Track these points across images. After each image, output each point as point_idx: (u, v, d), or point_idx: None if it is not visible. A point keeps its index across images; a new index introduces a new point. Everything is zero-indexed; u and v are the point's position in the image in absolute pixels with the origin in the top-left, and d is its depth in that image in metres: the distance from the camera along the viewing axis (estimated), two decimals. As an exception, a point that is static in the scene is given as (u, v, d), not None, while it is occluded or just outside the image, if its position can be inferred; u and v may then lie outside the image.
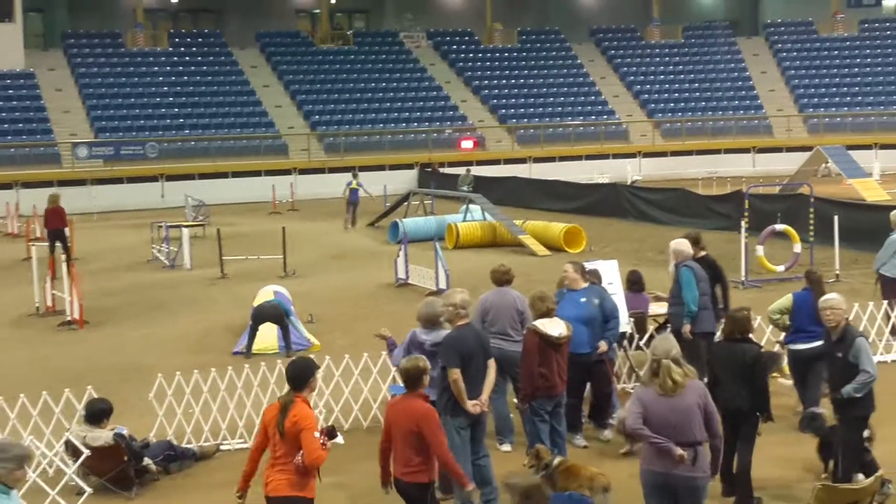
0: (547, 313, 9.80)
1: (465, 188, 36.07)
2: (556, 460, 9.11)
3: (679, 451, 7.32)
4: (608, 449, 10.85)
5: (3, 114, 44.54)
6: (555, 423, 9.81)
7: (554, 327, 9.71)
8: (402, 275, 21.16)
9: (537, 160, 47.29)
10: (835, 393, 9.01)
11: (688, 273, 11.67)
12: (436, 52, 54.94)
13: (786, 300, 11.40)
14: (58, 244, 23.85)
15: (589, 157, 47.61)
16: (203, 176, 42.97)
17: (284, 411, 7.31)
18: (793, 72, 55.30)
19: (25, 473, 5.91)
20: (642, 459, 7.71)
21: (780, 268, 20.29)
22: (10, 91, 45.90)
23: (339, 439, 8.24)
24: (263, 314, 15.57)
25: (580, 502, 8.50)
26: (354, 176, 35.38)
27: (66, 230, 24.57)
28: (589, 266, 12.03)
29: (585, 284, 11.02)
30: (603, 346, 10.85)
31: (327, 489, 10.14)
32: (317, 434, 7.24)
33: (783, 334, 11.64)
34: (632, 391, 12.30)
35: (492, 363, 9.22)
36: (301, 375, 7.41)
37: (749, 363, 8.99)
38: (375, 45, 54.37)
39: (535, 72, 54.19)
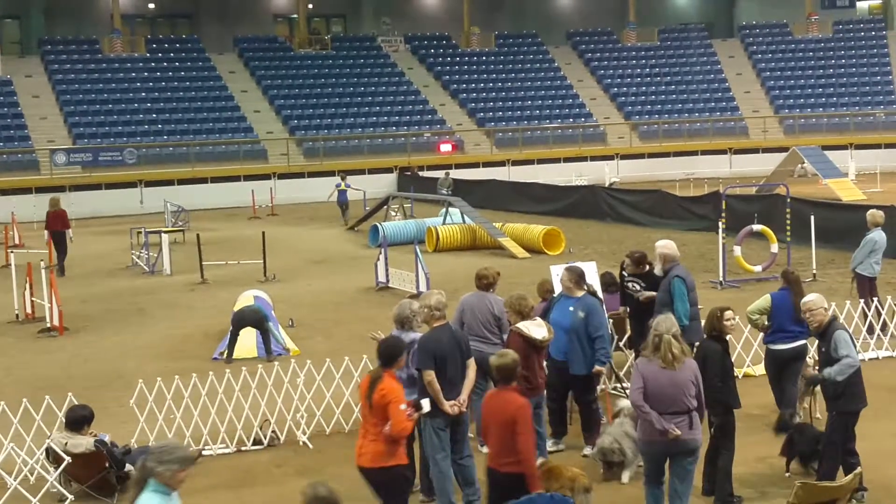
0: (526, 315, 9.87)
1: (444, 191, 36.15)
2: (538, 461, 9.16)
3: (675, 431, 8.23)
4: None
5: (-20, 121, 44.34)
6: (534, 425, 9.83)
7: (537, 330, 9.79)
8: (382, 278, 21.19)
9: (516, 163, 47.41)
10: (819, 376, 9.16)
11: (680, 285, 11.41)
12: (413, 56, 54.97)
13: (764, 300, 11.47)
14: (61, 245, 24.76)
15: (567, 160, 47.76)
16: (182, 181, 42.84)
17: (373, 385, 8.04)
18: (768, 73, 55.63)
19: (186, 475, 6.05)
20: (642, 433, 8.54)
21: (758, 268, 20.45)
22: (-13, 98, 45.70)
23: (426, 407, 8.53)
24: (244, 319, 15.58)
25: (562, 503, 8.55)
26: (343, 178, 35.78)
27: (69, 232, 25.34)
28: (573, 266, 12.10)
29: (580, 293, 10.82)
30: (599, 369, 10.72)
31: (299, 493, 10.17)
32: (403, 406, 7.93)
33: (761, 334, 11.74)
34: (613, 392, 12.41)
35: (471, 363, 9.25)
36: (391, 353, 8.22)
37: (699, 358, 9.00)
38: (353, 50, 54.36)
39: (513, 75, 54.28)
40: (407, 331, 9.57)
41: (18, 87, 46.67)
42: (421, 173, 44.36)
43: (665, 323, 8.43)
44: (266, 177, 43.89)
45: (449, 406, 8.92)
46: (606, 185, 38.59)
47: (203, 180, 43.45)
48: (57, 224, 25.25)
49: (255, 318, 15.55)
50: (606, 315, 12.57)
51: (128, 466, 10.29)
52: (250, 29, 53.94)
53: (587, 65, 56.27)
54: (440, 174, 39.90)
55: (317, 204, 41.37)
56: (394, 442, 8.00)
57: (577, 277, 10.89)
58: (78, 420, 10.23)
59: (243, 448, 11.43)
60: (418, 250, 20.38)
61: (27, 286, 19.26)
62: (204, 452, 11.26)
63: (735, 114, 53.23)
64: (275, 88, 50.38)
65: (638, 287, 12.30)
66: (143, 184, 42.58)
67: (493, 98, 52.59)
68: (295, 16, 56.13)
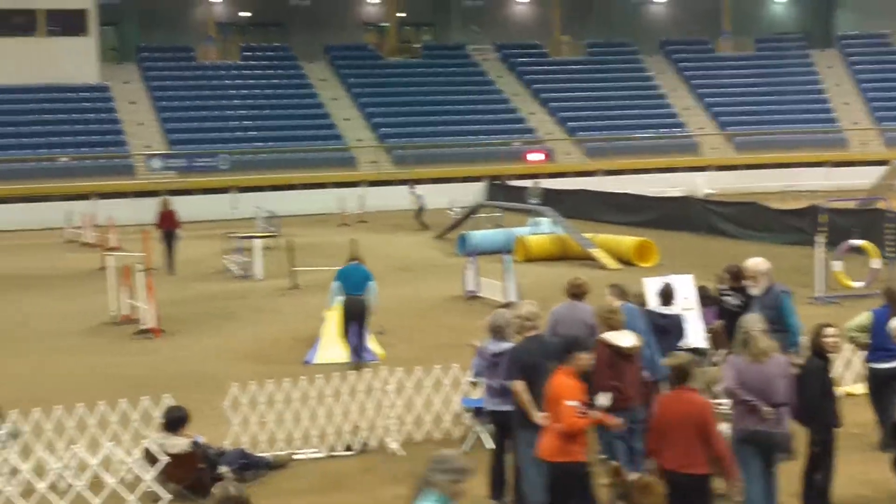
0: (615, 326, 9.74)
1: (533, 201, 35.97)
2: (632, 476, 9.02)
3: (766, 407, 8.42)
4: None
5: (79, 126, 45.43)
6: (632, 441, 9.65)
7: (624, 339, 9.64)
8: (471, 287, 21.12)
9: (607, 173, 46.99)
10: None
11: (788, 300, 11.27)
12: (503, 64, 54.92)
13: (864, 317, 11.13)
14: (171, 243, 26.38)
15: (659, 170, 47.18)
16: (273, 188, 43.37)
17: (551, 382, 8.31)
18: (868, 84, 54.29)
19: (464, 487, 6.03)
20: (734, 421, 8.72)
21: (858, 284, 19.88)
22: (86, 104, 46.82)
23: (603, 402, 8.66)
24: (352, 307, 15.62)
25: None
26: (412, 186, 37.61)
27: (179, 231, 26.68)
28: (664, 281, 11.92)
29: (618, 304, 10.66)
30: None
31: (400, 500, 10.15)
32: (572, 402, 8.05)
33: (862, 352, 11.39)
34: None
35: None
36: (565, 349, 8.48)
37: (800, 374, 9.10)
38: (443, 58, 54.51)
39: (604, 84, 53.87)
40: (500, 340, 9.52)
41: (116, 93, 47.79)
42: (510, 182, 44.21)
43: (752, 320, 8.86)
44: (355, 184, 44.19)
45: (539, 418, 8.78)
46: (700, 196, 37.97)
47: (293, 187, 43.94)
48: (167, 223, 26.53)
49: (359, 309, 15.60)
50: (705, 329, 12.36)
51: (221, 468, 10.41)
52: (341, 37, 54.45)
53: (680, 74, 55.59)
54: (530, 183, 39.71)
55: (405, 211, 41.54)
56: (567, 438, 8.14)
57: (619, 291, 10.90)
58: (175, 421, 10.36)
59: (334, 453, 11.47)
60: (508, 260, 20.29)
61: (125, 289, 19.63)
62: (295, 456, 11.34)
63: (833, 125, 52.06)
64: (365, 96, 50.75)
65: (736, 301, 12.05)
66: (235, 189, 43.20)
67: (584, 107, 52.24)
68: (385, 24, 56.53)
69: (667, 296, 11.76)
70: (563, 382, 8.21)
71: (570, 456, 8.15)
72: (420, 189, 38.23)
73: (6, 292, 23.82)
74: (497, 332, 9.57)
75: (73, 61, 46.84)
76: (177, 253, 26.79)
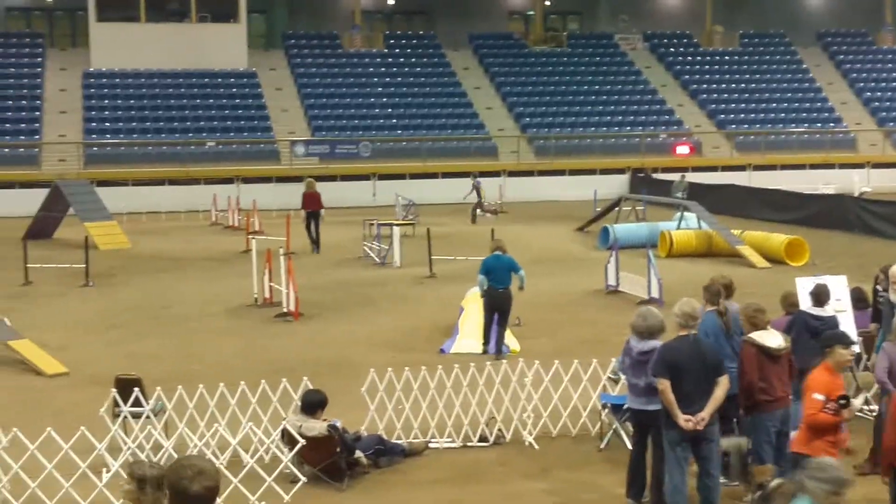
0: (761, 326, 9.35)
1: (679, 195, 35.19)
2: (775, 482, 8.63)
3: None
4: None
5: (227, 111, 46.55)
6: (780, 444, 9.23)
7: (772, 339, 9.24)
8: (611, 282, 20.70)
9: (757, 168, 45.62)
10: None
11: None
12: (652, 54, 53.94)
13: None
14: (311, 223, 27.62)
15: (813, 167, 45.58)
16: (413, 176, 43.59)
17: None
18: None
19: (843, 501, 5.89)
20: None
21: None
22: (234, 89, 47.92)
23: (856, 404, 8.53)
24: (494, 300, 15.44)
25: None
26: (475, 177, 37.09)
27: (322, 212, 27.94)
28: (817, 281, 11.43)
29: (709, 308, 10.17)
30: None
31: (534, 494, 9.93)
32: (820, 397, 7.93)
33: None
34: (863, 413, 11.54)
35: (722, 381, 8.74)
36: (826, 344, 8.41)
37: None
38: (589, 47, 53.86)
39: (757, 76, 52.36)
40: (646, 338, 9.23)
41: (263, 79, 48.78)
42: (655, 175, 43.38)
43: None
44: (496, 174, 44.04)
45: (683, 420, 8.52)
46: (856, 194, 36.51)
47: (434, 175, 44.04)
48: (312, 204, 27.66)
49: (504, 302, 15.44)
50: (856, 333, 11.78)
51: (357, 453, 10.36)
52: (485, 25, 54.33)
53: (838, 67, 53.62)
54: (675, 177, 38.84)
55: (546, 202, 41.24)
56: (812, 431, 8.05)
57: (712, 293, 10.25)
58: (313, 404, 10.36)
59: (469, 444, 11.34)
60: (651, 255, 19.81)
61: (266, 272, 19.92)
62: (430, 445, 11.23)
63: None
64: (508, 85, 50.53)
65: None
66: (376, 177, 43.58)
67: (735, 99, 50.89)
68: (531, 12, 56.14)
69: (820, 297, 11.22)
70: (817, 376, 8.12)
71: (811, 450, 7.90)
72: (482, 181, 37.45)
73: (153, 273, 24.51)
74: (643, 329, 9.26)
75: (223, 48, 48.06)
76: (320, 233, 27.79)
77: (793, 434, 8.91)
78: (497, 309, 15.44)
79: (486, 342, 15.52)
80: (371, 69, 50.53)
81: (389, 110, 48.10)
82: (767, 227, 28.40)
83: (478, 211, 35.43)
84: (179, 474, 4.74)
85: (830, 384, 8.08)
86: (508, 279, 15.55)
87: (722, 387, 8.72)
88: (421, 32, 54.46)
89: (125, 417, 10.85)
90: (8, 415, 11.91)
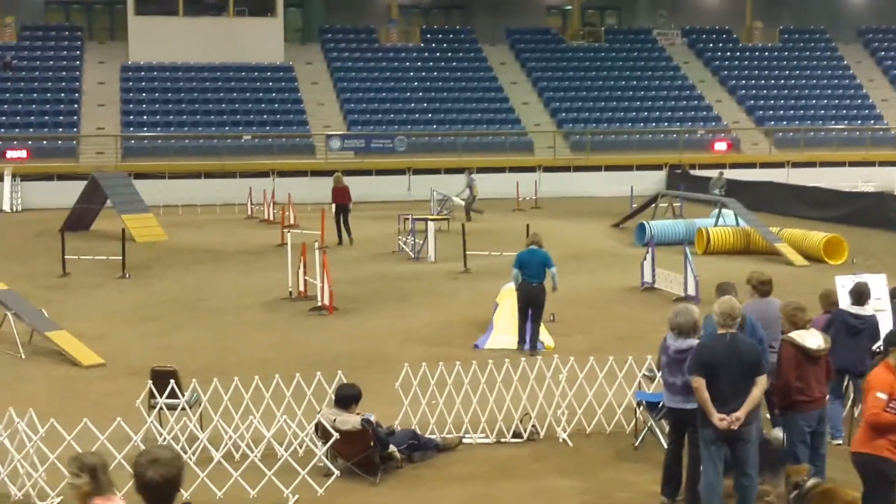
0: (801, 325, 9.22)
1: (717, 191, 34.94)
2: (811, 482, 8.58)
3: None
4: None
5: (263, 105, 46.73)
6: (816, 445, 9.18)
7: (811, 339, 9.12)
8: (647, 279, 20.57)
9: (796, 165, 45.17)
10: None
11: None
12: (690, 50, 53.58)
13: None
14: (341, 217, 27.95)
15: (853, 164, 45.05)
16: (449, 171, 43.53)
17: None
18: None
19: None
20: None
21: None
22: (270, 83, 48.10)
23: None
24: (527, 295, 15.33)
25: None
26: (470, 174, 36.09)
27: (350, 205, 28.29)
28: (858, 280, 11.30)
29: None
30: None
31: (567, 491, 9.87)
32: (882, 395, 7.81)
33: None
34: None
35: (760, 381, 8.65)
36: (890, 342, 8.57)
37: None
38: (627, 43, 53.56)
39: (797, 72, 51.91)
40: (684, 337, 9.14)
41: (299, 73, 48.92)
42: (692, 172, 43.09)
43: None
44: (531, 169, 43.91)
45: (718, 419, 8.46)
46: (897, 192, 36.07)
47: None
48: (340, 198, 28.09)
49: (535, 297, 15.29)
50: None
51: (391, 447, 10.35)
52: (523, 20, 54.17)
53: (880, 64, 53.00)
54: (713, 173, 38.56)
55: (582, 198, 41.08)
56: (871, 429, 7.93)
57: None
58: (347, 398, 10.35)
59: (503, 440, 11.30)
60: (688, 252, 19.66)
61: (301, 265, 19.97)
62: (464, 440, 11.20)
63: None
64: (545, 80, 50.37)
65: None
66: (411, 171, 43.58)
67: (775, 96, 50.44)
68: (569, 7, 55.92)
69: (861, 295, 11.08)
70: (879, 374, 7.98)
71: (873, 448, 7.86)
72: (476, 177, 36.56)
73: (189, 265, 24.65)
74: (680, 328, 9.18)
75: (260, 41, 48.28)
76: (350, 225, 28.02)
77: (829, 434, 8.83)
78: (530, 304, 15.32)
79: (521, 340, 15.40)
80: (407, 63, 50.52)
81: (425, 105, 48.08)
82: (806, 225, 28.14)
83: (473, 207, 34.50)
84: (137, 461, 5.06)
85: (894, 382, 7.93)
86: (542, 274, 15.42)
87: (759, 387, 8.62)
88: (458, 27, 54.41)
89: (161, 409, 10.91)
90: (45, 405, 12.00)
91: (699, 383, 8.55)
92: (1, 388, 13.50)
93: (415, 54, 51.28)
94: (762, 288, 10.70)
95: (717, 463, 8.64)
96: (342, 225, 27.98)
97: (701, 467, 8.81)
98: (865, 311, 10.95)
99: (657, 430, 11.02)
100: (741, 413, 8.50)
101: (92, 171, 34.23)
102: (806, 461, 8.98)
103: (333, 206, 28.31)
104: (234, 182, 40.89)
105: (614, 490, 9.92)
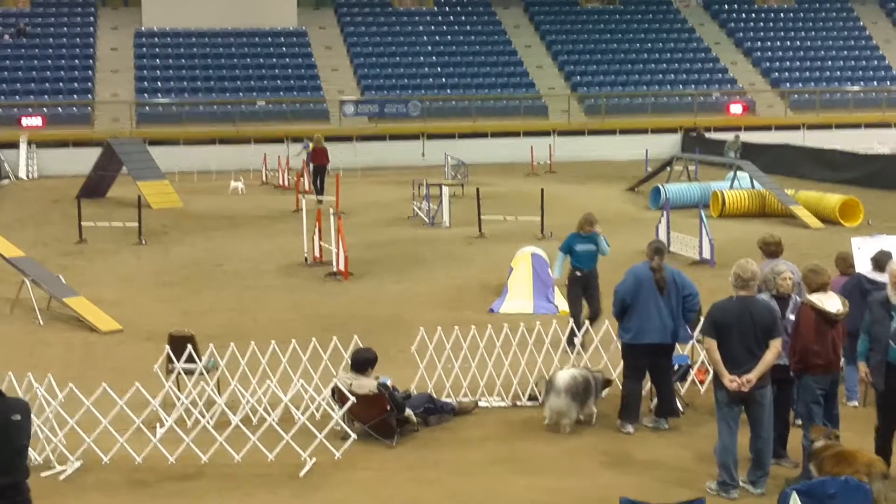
0: (821, 287, 9.17)
1: (732, 154, 34.77)
2: (823, 443, 8.58)
3: None
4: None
5: (277, 70, 46.62)
6: (829, 406, 9.17)
7: (831, 303, 9.08)
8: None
9: (811, 127, 44.85)
10: None
11: None
12: (706, 11, 53.15)
13: None
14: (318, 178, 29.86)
15: (868, 126, 44.68)
16: (463, 135, 43.43)
17: None
18: None
19: None
20: None
21: None
22: (284, 48, 47.96)
23: None
24: (581, 279, 13.87)
25: (858, 489, 7.91)
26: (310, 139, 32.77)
27: (328, 167, 30.34)
28: (874, 241, 11.24)
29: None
30: None
31: (584, 451, 9.90)
32: None
33: None
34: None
35: (774, 344, 8.65)
36: None
37: None
38: (642, 5, 53.12)
39: (813, 34, 51.45)
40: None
41: (312, 38, 48.74)
42: (707, 135, 42.84)
43: None
44: (546, 133, 43.73)
45: (728, 380, 8.50)
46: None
47: (483, 135, 43.86)
48: (319, 158, 30.12)
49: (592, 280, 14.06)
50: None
51: (407, 411, 10.40)
52: (537, -17, 53.77)
53: (896, 24, 52.51)
54: (728, 136, 38.33)
55: (596, 162, 40.92)
56: None
57: (649, 250, 10.78)
58: (363, 362, 10.39)
59: (518, 403, 11.33)
60: (703, 215, 19.60)
61: (316, 231, 19.99)
62: (480, 404, 11.24)
63: None
64: (559, 44, 50.06)
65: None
66: (425, 136, 43.47)
67: (790, 57, 50.04)
68: (583, -30, 55.43)
69: (881, 262, 11.03)
70: None
71: None
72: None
73: (205, 231, 24.71)
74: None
75: (274, 6, 48.12)
76: (324, 184, 29.91)
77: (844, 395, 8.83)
78: (584, 287, 13.85)
79: (569, 341, 12.53)
80: (421, 28, 50.27)
81: (439, 69, 47.87)
82: (821, 188, 27.98)
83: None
84: None
85: None
86: (594, 260, 14.07)
87: (773, 350, 8.62)
88: (471, -10, 54.02)
89: (178, 374, 10.98)
90: (64, 370, 12.10)
91: (710, 344, 8.62)
92: (20, 354, 13.61)
93: (428, 18, 50.99)
94: (766, 248, 10.67)
95: (731, 425, 8.67)
96: (318, 183, 29.82)
97: (717, 428, 8.79)
98: (881, 277, 10.90)
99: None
100: (753, 375, 8.51)
101: (107, 137, 34.28)
102: (820, 422, 8.97)
103: (311, 165, 30.26)
104: (250, 148, 40.87)
105: (631, 449, 9.96)
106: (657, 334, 10.36)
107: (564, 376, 10.47)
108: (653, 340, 10.37)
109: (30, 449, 9.71)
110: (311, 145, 31.16)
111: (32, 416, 9.65)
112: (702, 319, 9.71)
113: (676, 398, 10.91)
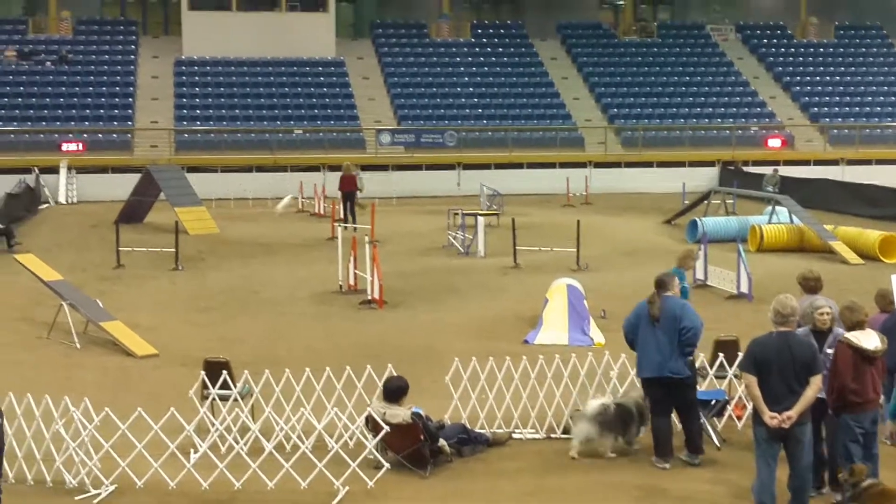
0: (857, 325, 9.07)
1: (770, 188, 34.55)
2: (868, 482, 8.48)
3: None
4: None
5: (314, 99, 46.92)
6: (868, 444, 9.02)
7: (868, 340, 8.96)
8: (700, 276, 20.37)
9: (850, 162, 44.46)
10: None
11: None
12: (744, 45, 52.99)
13: None
14: (349, 203, 30.99)
15: (909, 162, 44.35)
16: (498, 166, 43.43)
17: None
18: None
19: None
20: None
21: None
22: (322, 78, 48.30)
23: None
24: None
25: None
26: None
27: (358, 193, 31.85)
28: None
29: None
30: None
31: (618, 485, 9.79)
32: None
33: None
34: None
35: (814, 381, 8.54)
36: None
37: None
38: (680, 38, 53.08)
39: (852, 69, 51.12)
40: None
41: (350, 68, 49.06)
42: (745, 168, 42.61)
43: None
44: (582, 165, 43.63)
45: (769, 417, 8.39)
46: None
47: (519, 165, 43.84)
48: (348, 186, 31.43)
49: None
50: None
51: (441, 441, 10.35)
52: (574, 15, 53.89)
53: (935, 60, 52.11)
54: (767, 170, 38.10)
55: (633, 194, 40.79)
56: None
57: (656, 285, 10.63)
58: (396, 391, 10.36)
59: (553, 435, 11.24)
60: (741, 249, 19.46)
61: (351, 259, 20.03)
62: (514, 435, 11.17)
63: None
64: (596, 76, 50.08)
65: None
66: (461, 166, 43.54)
67: (829, 92, 49.74)
68: (621, 2, 55.55)
69: None
70: None
71: None
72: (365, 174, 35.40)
73: (241, 258, 24.82)
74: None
75: (312, 36, 48.48)
76: (355, 211, 31.06)
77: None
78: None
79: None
80: (458, 58, 50.48)
81: (476, 100, 48.00)
82: (861, 223, 27.71)
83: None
84: None
85: None
86: (685, 295, 12.28)
87: (813, 387, 8.52)
88: (508, 21, 54.22)
89: (213, 399, 11.00)
90: (99, 394, 12.15)
91: (750, 380, 8.52)
92: (56, 378, 13.70)
93: (465, 49, 51.20)
94: (806, 284, 10.65)
95: (769, 462, 8.58)
96: (348, 210, 30.75)
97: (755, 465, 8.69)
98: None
99: (709, 427, 10.92)
100: (794, 412, 8.41)
101: (146, 164, 34.57)
102: (860, 461, 8.85)
103: (341, 192, 31.24)
104: (286, 176, 41.11)
105: (666, 483, 9.84)
106: (653, 368, 10.27)
107: (594, 404, 10.48)
108: (650, 374, 10.29)
109: (65, 472, 9.78)
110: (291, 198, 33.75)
111: (68, 439, 9.72)
112: (739, 355, 9.61)
113: (713, 433, 10.79)
